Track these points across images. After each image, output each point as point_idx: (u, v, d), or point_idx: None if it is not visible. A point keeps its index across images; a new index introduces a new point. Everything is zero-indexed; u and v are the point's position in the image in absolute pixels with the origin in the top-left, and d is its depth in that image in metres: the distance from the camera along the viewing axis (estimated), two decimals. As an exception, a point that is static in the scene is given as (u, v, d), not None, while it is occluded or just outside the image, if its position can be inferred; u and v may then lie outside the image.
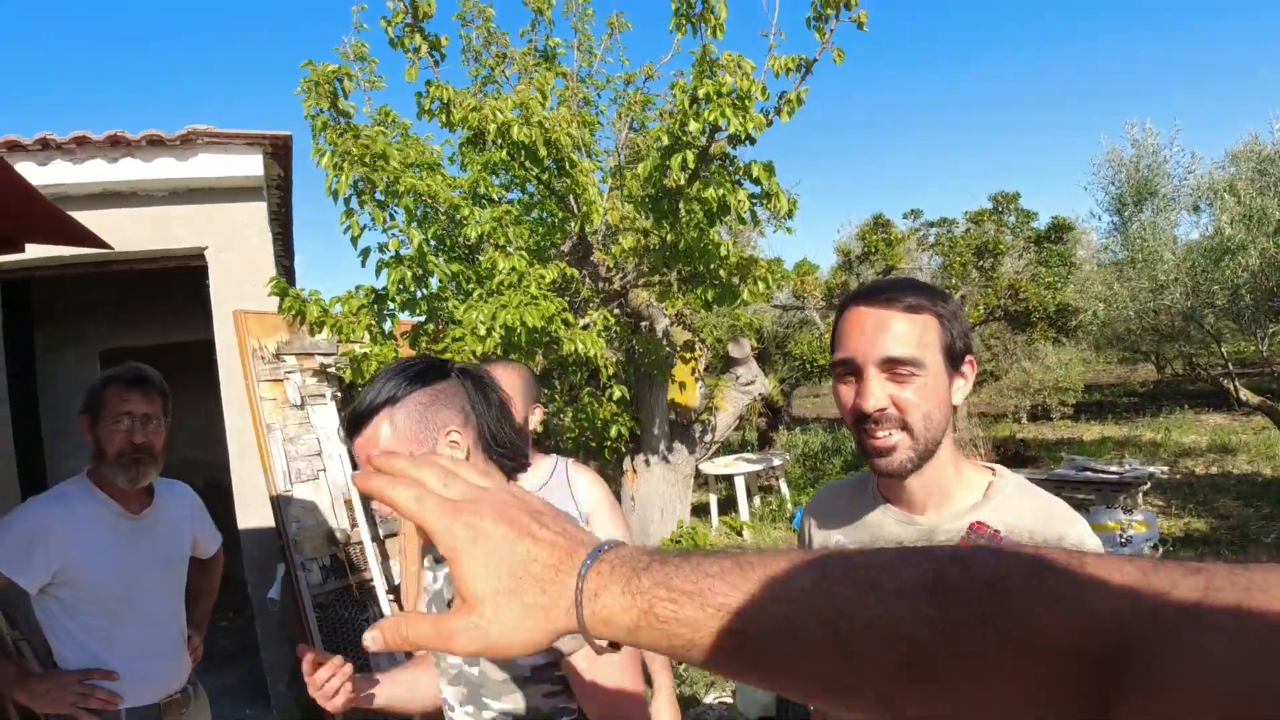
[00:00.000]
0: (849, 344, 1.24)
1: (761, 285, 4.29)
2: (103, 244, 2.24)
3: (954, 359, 1.24)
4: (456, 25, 4.72)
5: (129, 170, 4.47)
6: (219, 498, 4.54)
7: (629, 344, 4.53)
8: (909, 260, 12.86)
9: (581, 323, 3.99)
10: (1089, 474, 7.24)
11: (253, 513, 4.51)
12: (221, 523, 2.69)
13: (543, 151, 3.79)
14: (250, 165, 4.58)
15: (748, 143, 3.78)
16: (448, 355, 3.81)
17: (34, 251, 4.40)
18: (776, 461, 9.41)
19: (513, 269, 3.80)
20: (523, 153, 3.87)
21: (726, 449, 10.64)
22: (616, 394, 4.15)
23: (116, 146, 4.43)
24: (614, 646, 0.56)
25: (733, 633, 0.48)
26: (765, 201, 3.99)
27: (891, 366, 1.20)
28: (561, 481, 2.18)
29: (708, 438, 4.97)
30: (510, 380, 2.00)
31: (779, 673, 0.49)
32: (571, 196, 4.11)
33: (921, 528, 1.29)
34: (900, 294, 1.23)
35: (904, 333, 1.20)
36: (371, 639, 0.60)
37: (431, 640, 0.57)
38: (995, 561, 0.43)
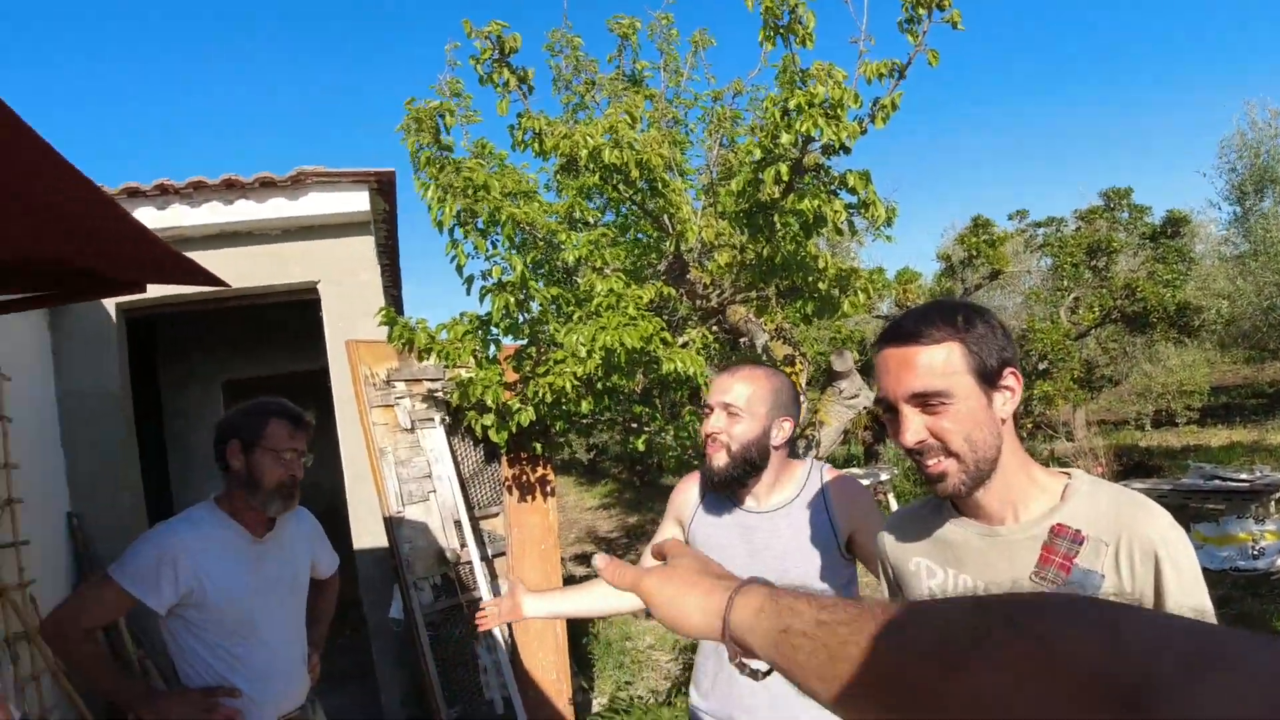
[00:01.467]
0: (882, 384, 1.33)
1: (862, 296, 4.21)
2: (219, 282, 2.38)
3: (988, 377, 1.28)
4: (545, 56, 4.83)
5: (243, 211, 4.73)
6: (336, 520, 4.74)
7: (728, 361, 4.51)
8: (1016, 263, 12.39)
9: (680, 341, 3.99)
10: (1217, 482, 6.84)
11: (367, 534, 4.68)
12: (338, 544, 2.80)
13: (635, 173, 3.83)
14: (357, 201, 4.80)
15: (842, 152, 3.72)
16: (549, 378, 3.89)
17: (156, 290, 4.71)
18: (884, 476, 9.18)
19: (610, 290, 3.83)
20: (615, 176, 3.92)
21: (831, 464, 10.43)
22: (717, 412, 4.11)
23: (231, 189, 4.70)
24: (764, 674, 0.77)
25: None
26: (862, 210, 3.92)
27: (921, 400, 1.27)
28: (815, 492, 1.97)
29: (812, 453, 4.89)
30: (757, 387, 1.92)
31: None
32: (665, 216, 4.14)
33: (1002, 538, 1.33)
34: (921, 327, 1.28)
35: (927, 366, 1.26)
36: (602, 560, 0.94)
37: (630, 585, 0.88)
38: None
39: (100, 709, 3.78)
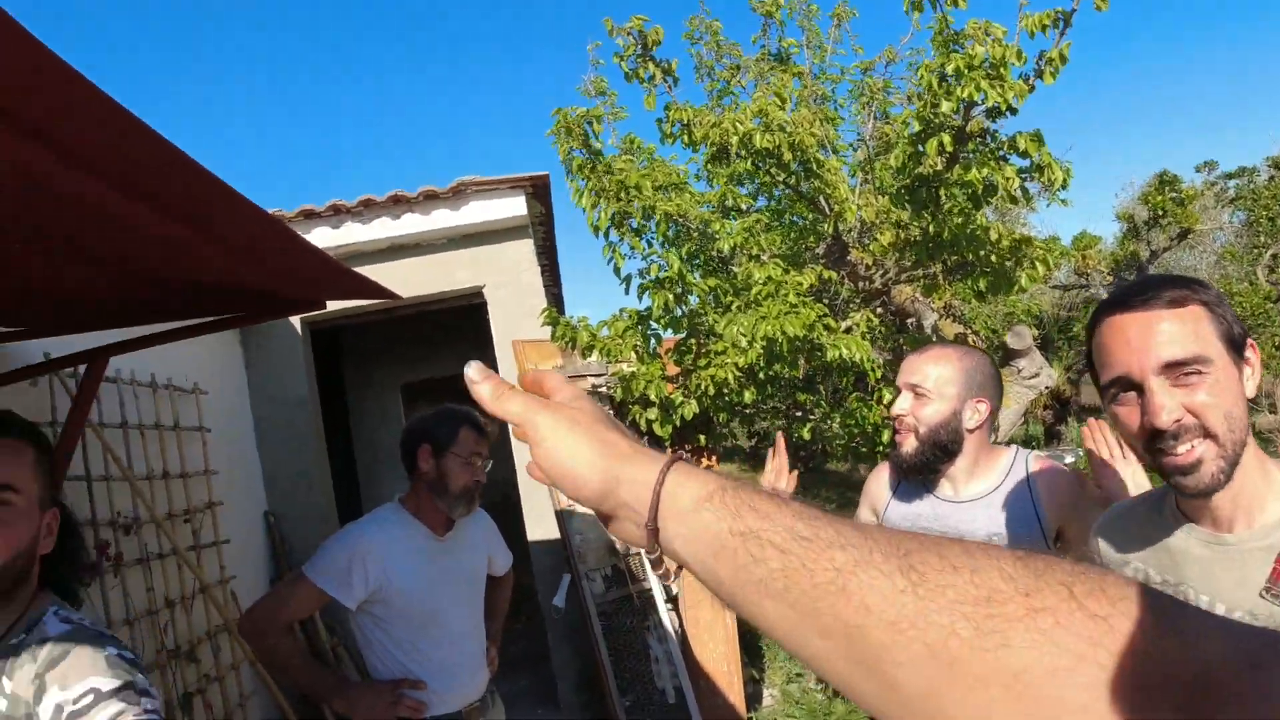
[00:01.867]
0: (1117, 359, 1.11)
1: (1040, 268, 3.93)
2: (390, 294, 2.51)
3: (1236, 346, 1.08)
4: (685, 46, 4.80)
5: (410, 224, 4.97)
6: (510, 512, 4.93)
7: (895, 343, 4.34)
8: (1205, 220, 11.27)
9: (843, 326, 3.87)
10: None
11: (539, 526, 4.84)
12: (512, 536, 2.90)
13: (787, 155, 3.73)
14: (515, 207, 4.95)
15: (1008, 114, 3.49)
16: (711, 370, 3.87)
17: (335, 304, 5.03)
18: (1069, 459, 8.58)
19: (768, 278, 3.77)
20: (767, 160, 3.85)
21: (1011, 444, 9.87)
22: (886, 397, 3.98)
23: (398, 205, 4.95)
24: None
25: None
26: (1036, 174, 3.66)
27: (1174, 371, 1.06)
28: (1019, 481, 1.82)
29: (991, 438, 4.64)
30: (947, 367, 1.81)
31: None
32: (821, 197, 4.02)
33: (1231, 547, 1.12)
34: (1157, 290, 1.09)
35: (1176, 331, 1.07)
36: (475, 369, 0.67)
37: (516, 414, 0.63)
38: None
39: (295, 696, 4.11)
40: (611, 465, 0.58)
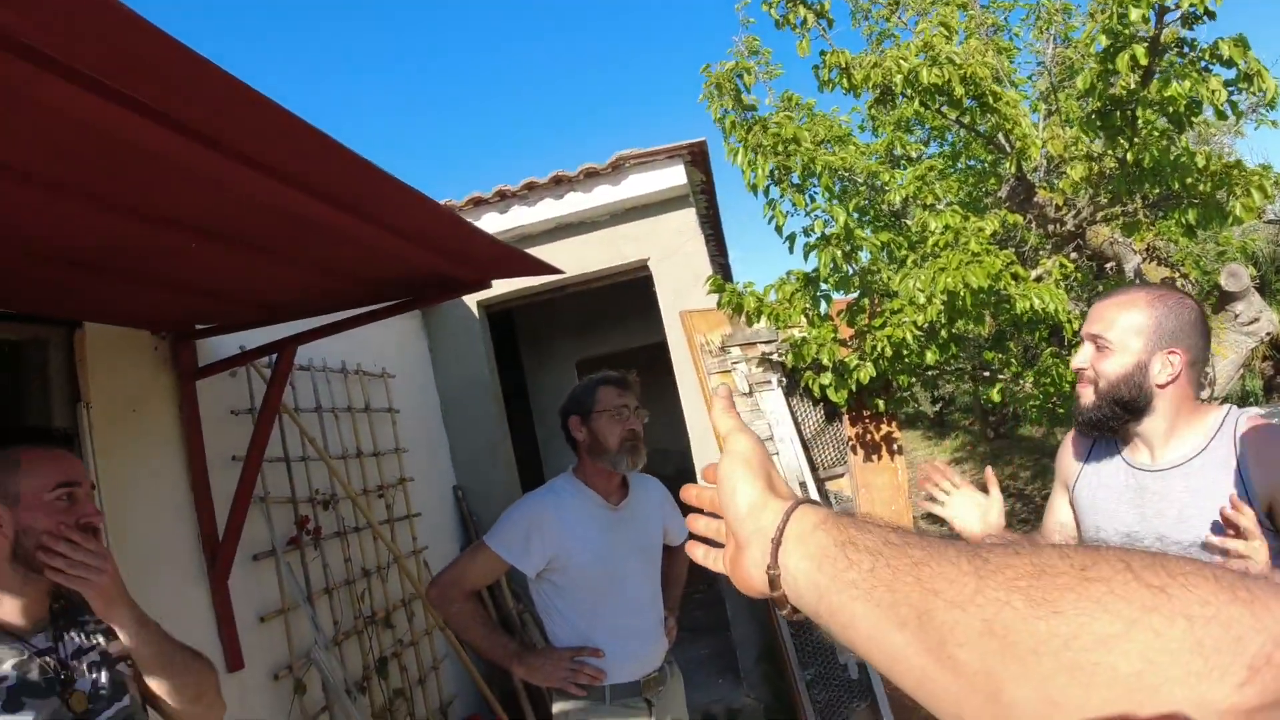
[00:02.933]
0: None
1: (1258, 195, 3.42)
2: (552, 269, 2.55)
3: None
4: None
5: (573, 203, 5.03)
6: (686, 482, 4.94)
7: (1094, 291, 3.94)
8: None
9: (1033, 274, 3.55)
10: None
11: (716, 497, 4.82)
12: (688, 507, 2.88)
13: (959, 90, 3.44)
14: (674, 176, 4.90)
15: (1206, 19, 3.05)
16: (887, 330, 3.67)
17: (507, 286, 5.22)
18: (1295, 414, 7.57)
19: (946, 227, 3.51)
20: (937, 98, 3.56)
21: (1226, 402, 8.82)
22: (1085, 351, 3.60)
23: (560, 185, 5.02)
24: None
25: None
26: (1244, 85, 3.18)
27: None
28: (1227, 445, 1.55)
29: (1204, 393, 4.14)
30: (1132, 314, 1.58)
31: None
32: (1000, 135, 3.69)
33: None
34: None
35: None
36: (726, 390, 0.86)
37: (726, 429, 0.76)
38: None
39: (483, 660, 4.33)
40: (766, 494, 0.67)
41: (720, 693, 4.81)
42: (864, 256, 3.89)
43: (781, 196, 3.66)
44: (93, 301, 2.42)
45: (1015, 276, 3.28)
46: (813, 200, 3.67)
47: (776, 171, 3.62)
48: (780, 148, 3.60)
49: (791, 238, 3.65)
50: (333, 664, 3.28)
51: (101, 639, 1.60)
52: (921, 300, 3.43)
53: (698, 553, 0.83)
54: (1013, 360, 4.22)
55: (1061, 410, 3.72)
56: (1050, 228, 3.83)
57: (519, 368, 7.90)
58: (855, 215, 3.74)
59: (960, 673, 0.44)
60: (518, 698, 4.33)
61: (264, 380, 3.32)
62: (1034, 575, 0.43)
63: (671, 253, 5.06)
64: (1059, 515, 1.84)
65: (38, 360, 2.49)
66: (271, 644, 3.16)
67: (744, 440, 0.73)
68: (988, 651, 0.43)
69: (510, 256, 2.47)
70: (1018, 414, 4.28)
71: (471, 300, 5.32)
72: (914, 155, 4.44)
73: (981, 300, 3.27)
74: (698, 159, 4.97)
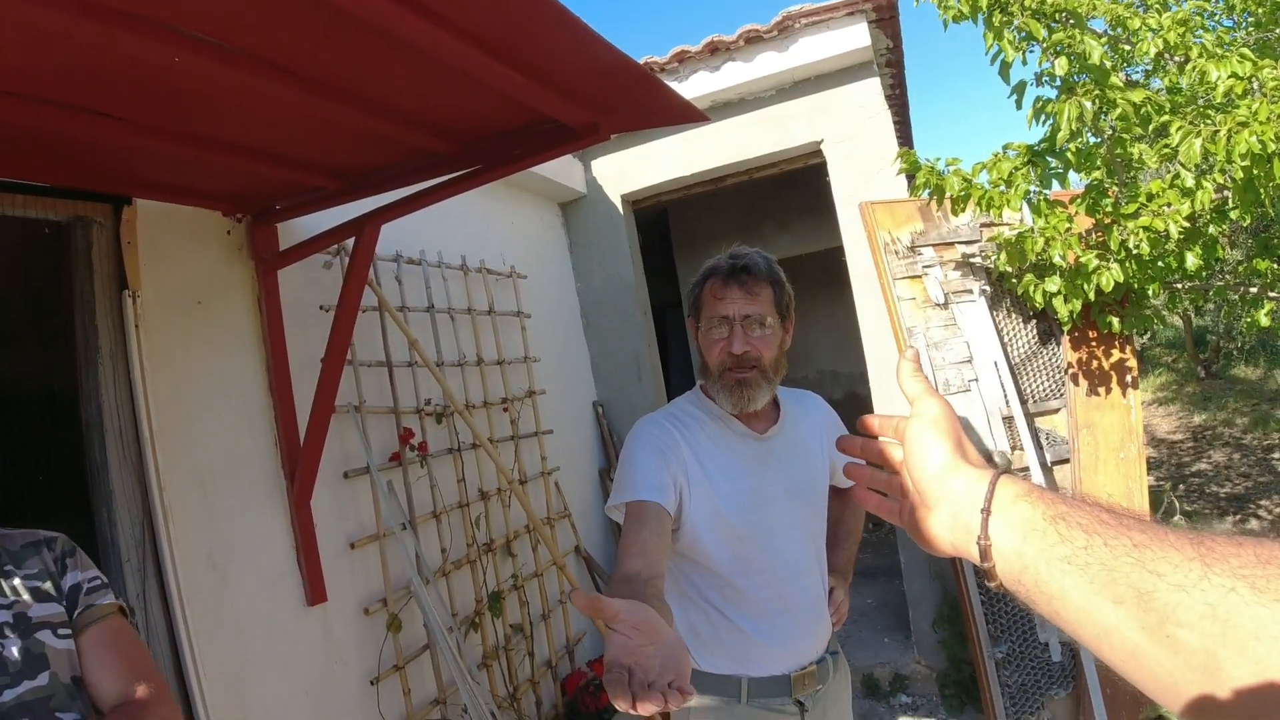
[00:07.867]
0: None
1: None
2: (696, 114, 1.88)
3: None
4: None
5: (731, 75, 4.28)
6: (859, 411, 4.20)
7: None
8: None
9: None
10: None
11: (894, 428, 4.05)
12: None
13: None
14: (854, 38, 4.01)
15: None
16: (1143, 220, 2.75)
17: (654, 176, 4.56)
18: None
19: (1233, 74, 2.56)
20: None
21: None
22: None
23: (716, 54, 4.26)
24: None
25: None
26: None
27: None
28: None
29: None
30: None
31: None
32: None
33: None
34: None
35: None
36: (913, 353, 0.86)
37: (914, 393, 0.78)
38: None
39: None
40: (956, 459, 0.69)
41: (887, 654, 4.13)
42: (1109, 126, 2.93)
43: (1010, 21, 2.72)
44: (144, 170, 1.99)
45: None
46: (1050, 31, 2.70)
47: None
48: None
49: (1020, 87, 2.71)
50: (435, 598, 2.86)
51: (25, 593, 1.16)
52: (1189, 182, 2.52)
53: (871, 502, 0.81)
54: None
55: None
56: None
57: (673, 274, 7.28)
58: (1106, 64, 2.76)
59: (1178, 650, 0.46)
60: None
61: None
62: (1259, 564, 0.44)
63: (850, 134, 4.19)
64: None
65: (82, 244, 2.10)
66: (364, 574, 2.77)
67: (934, 403, 0.73)
68: (1209, 633, 0.44)
69: (627, 75, 1.78)
70: (1229, 350, 3.25)
71: (615, 193, 4.71)
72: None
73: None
74: (884, 17, 4.03)
